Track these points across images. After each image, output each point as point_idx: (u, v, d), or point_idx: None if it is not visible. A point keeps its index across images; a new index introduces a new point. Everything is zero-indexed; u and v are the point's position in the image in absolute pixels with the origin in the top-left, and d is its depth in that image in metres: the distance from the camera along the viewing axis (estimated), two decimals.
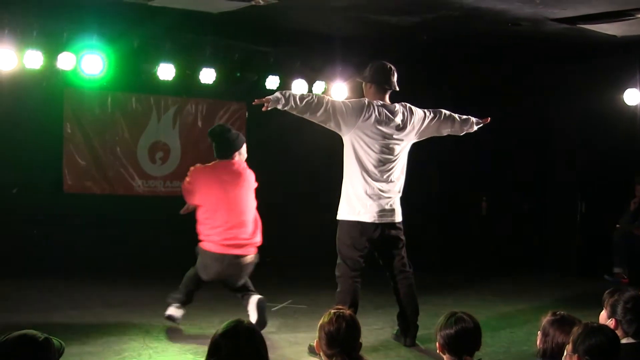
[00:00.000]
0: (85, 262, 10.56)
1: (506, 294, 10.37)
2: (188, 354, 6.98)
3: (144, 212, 11.65)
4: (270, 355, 3.56)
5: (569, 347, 3.98)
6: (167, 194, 12.09)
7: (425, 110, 7.48)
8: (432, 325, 7.72)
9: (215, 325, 6.55)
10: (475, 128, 7.77)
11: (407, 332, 7.46)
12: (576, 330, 3.99)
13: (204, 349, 3.50)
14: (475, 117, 7.75)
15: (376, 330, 7.94)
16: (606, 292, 5.13)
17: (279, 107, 6.86)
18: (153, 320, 8.13)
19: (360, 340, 4.14)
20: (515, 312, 9.31)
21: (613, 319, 4.84)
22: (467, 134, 7.86)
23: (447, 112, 7.59)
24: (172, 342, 7.33)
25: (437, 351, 4.27)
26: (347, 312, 4.18)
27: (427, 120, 7.44)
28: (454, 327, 4.18)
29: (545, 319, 4.55)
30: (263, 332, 3.59)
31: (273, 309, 9.01)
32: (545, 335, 4.48)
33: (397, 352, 7.28)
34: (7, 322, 7.60)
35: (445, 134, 7.74)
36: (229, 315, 5.62)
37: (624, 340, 4.54)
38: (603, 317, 4.99)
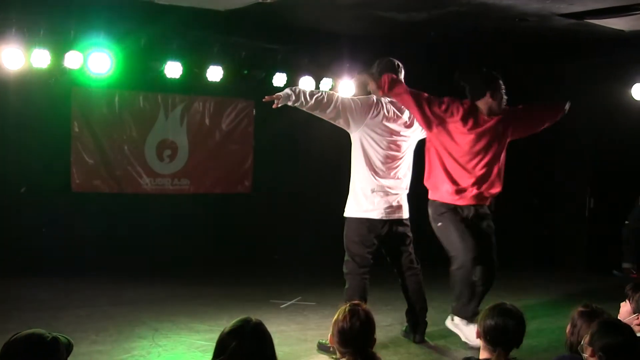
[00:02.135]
0: (93, 260, 10.56)
1: (514, 290, 10.31)
2: (197, 351, 6.99)
3: (152, 210, 11.66)
4: (279, 352, 3.54)
5: (586, 339, 3.91)
6: (175, 192, 12.09)
7: None
8: (441, 321, 7.75)
9: (224, 323, 6.51)
10: None
11: (416, 328, 7.47)
12: (596, 324, 3.92)
13: (213, 346, 3.49)
14: None
15: (385, 327, 7.92)
16: (628, 287, 5.07)
17: (289, 103, 6.85)
18: (161, 318, 8.14)
19: (375, 336, 4.07)
20: (523, 307, 9.15)
21: (639, 315, 4.78)
22: None
23: None
24: (181, 340, 7.34)
25: (476, 337, 4.24)
26: (362, 307, 4.05)
27: None
28: (501, 318, 4.17)
29: (576, 310, 4.50)
30: (271, 329, 3.56)
31: (282, 306, 9.02)
32: (573, 327, 4.43)
33: (406, 349, 7.29)
34: (15, 321, 7.63)
35: None
36: (238, 313, 5.62)
37: None
38: (626, 312, 4.91)
